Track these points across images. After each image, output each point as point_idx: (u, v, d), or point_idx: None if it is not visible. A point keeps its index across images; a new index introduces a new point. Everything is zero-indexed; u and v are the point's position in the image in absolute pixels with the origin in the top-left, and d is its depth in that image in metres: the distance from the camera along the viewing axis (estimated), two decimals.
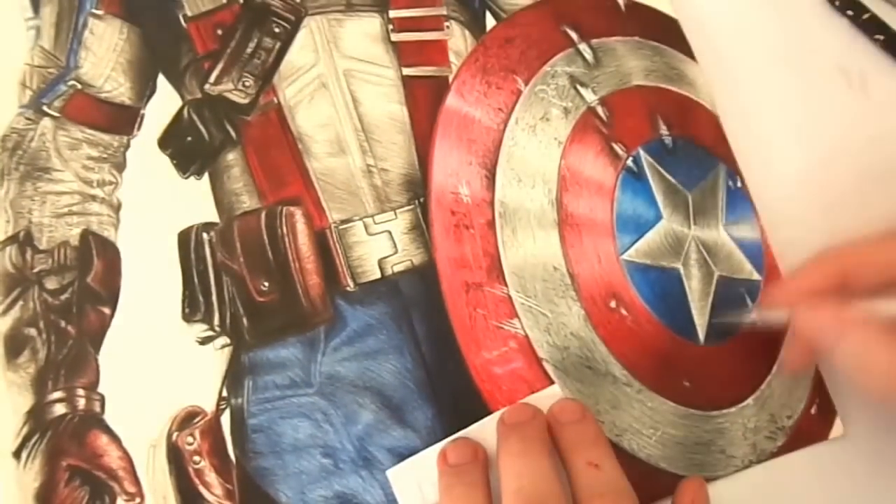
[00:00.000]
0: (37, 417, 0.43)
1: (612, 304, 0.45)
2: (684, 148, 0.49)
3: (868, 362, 0.39)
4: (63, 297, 0.44)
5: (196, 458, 0.42)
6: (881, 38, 0.51)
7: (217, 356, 0.44)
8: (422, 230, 0.46)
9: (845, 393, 0.46)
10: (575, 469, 0.38)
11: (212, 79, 0.47)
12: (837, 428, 0.45)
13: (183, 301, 0.44)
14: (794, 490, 0.45)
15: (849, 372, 0.41)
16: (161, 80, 0.48)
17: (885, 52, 0.51)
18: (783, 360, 0.46)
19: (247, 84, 0.47)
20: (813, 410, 0.45)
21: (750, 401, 0.45)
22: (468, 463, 0.40)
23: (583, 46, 0.49)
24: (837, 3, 0.51)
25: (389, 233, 0.46)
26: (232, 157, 0.47)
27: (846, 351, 0.40)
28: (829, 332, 0.41)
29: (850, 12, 0.51)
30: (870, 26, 0.51)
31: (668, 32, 0.51)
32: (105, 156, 0.47)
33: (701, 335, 0.46)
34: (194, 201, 0.46)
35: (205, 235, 0.45)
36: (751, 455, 0.44)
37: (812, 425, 0.45)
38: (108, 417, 0.43)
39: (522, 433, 0.39)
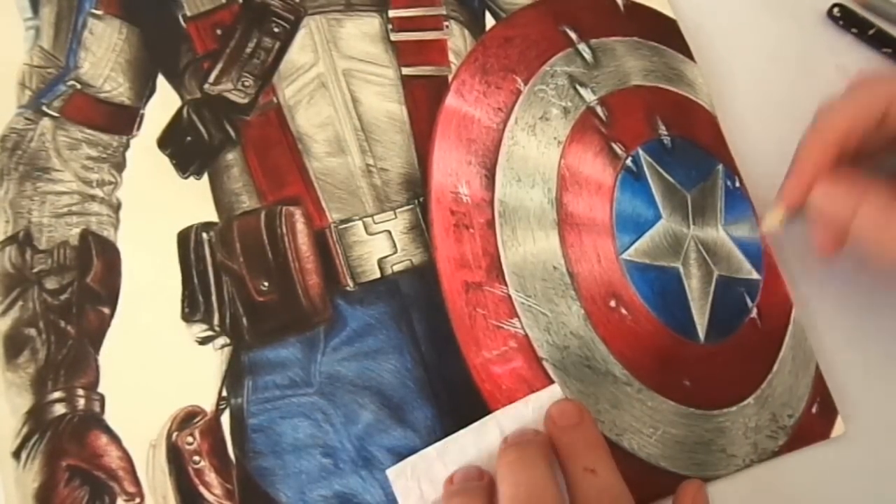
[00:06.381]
0: (36, 417, 0.43)
1: (612, 303, 0.45)
2: (683, 148, 0.49)
3: (885, 228, 0.40)
4: (63, 297, 0.44)
5: (196, 457, 0.42)
6: (888, 50, 0.51)
7: (217, 356, 0.44)
8: (421, 230, 0.46)
9: (847, 392, 0.46)
10: (572, 475, 0.38)
11: (211, 79, 0.47)
12: (839, 427, 0.45)
13: (182, 301, 0.44)
14: (795, 489, 0.45)
15: (867, 242, 0.40)
16: (160, 80, 0.48)
17: (894, 63, 0.51)
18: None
19: (246, 84, 0.47)
20: (814, 409, 0.45)
21: (751, 400, 0.45)
22: (472, 479, 0.39)
23: (582, 46, 0.49)
24: (841, 21, 0.52)
25: (389, 232, 0.46)
26: (231, 156, 0.47)
27: (863, 221, 0.40)
28: (844, 206, 0.41)
29: (854, 29, 0.52)
30: (875, 41, 0.51)
31: (666, 33, 0.51)
32: (104, 156, 0.47)
33: (701, 334, 0.46)
34: (194, 201, 0.46)
35: (204, 235, 0.45)
36: (752, 454, 0.44)
37: (813, 424, 0.45)
38: (108, 417, 0.43)
39: (521, 444, 0.39)
